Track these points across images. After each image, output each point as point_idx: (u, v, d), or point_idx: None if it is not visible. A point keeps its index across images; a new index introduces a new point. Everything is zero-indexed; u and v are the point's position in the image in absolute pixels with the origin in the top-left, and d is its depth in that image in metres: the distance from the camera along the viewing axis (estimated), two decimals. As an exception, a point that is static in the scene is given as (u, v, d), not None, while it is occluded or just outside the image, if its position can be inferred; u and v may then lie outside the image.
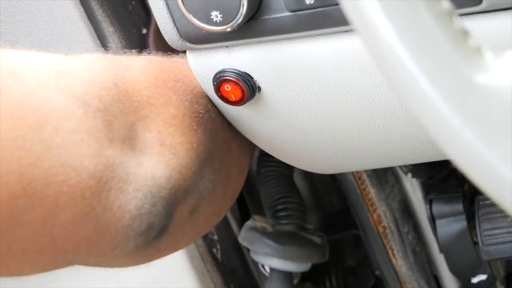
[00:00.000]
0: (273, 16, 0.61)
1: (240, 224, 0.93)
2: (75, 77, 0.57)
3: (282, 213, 0.88)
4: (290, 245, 0.86)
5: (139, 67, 0.64)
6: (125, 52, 0.68)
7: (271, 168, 0.88)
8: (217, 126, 0.69)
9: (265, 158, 0.88)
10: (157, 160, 0.60)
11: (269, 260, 0.87)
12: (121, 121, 0.58)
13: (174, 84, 0.65)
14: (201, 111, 0.66)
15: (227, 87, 0.66)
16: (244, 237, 0.87)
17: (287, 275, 0.88)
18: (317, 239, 0.89)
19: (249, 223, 0.88)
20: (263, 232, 0.86)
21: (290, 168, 0.88)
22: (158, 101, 0.63)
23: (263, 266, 0.91)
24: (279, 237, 0.86)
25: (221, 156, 0.70)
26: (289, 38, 0.63)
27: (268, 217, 0.89)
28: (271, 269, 0.88)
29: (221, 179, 0.70)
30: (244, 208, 0.98)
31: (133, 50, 0.68)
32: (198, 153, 0.64)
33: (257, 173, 0.89)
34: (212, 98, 0.69)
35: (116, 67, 0.62)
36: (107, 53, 0.67)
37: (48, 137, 0.52)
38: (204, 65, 0.66)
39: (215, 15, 0.60)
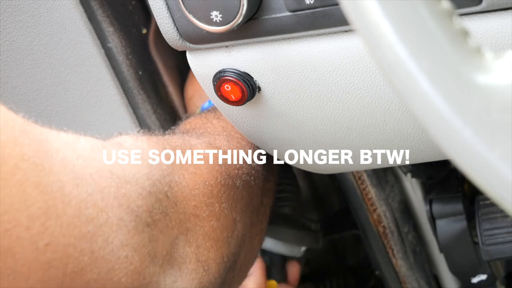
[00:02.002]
0: (273, 16, 0.61)
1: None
2: (134, 186, 0.56)
3: (277, 195, 0.88)
4: (282, 226, 0.86)
5: (192, 170, 0.63)
6: (178, 139, 0.67)
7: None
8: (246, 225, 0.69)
9: None
10: (191, 278, 0.60)
11: None
12: (165, 237, 0.58)
13: (219, 189, 0.65)
14: (237, 218, 0.67)
15: (227, 87, 0.66)
16: None
17: (280, 259, 0.88)
18: (311, 225, 0.89)
19: None
20: None
21: None
22: (203, 212, 0.63)
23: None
24: (273, 218, 0.86)
25: (245, 251, 0.70)
26: (289, 38, 0.63)
27: None
28: (262, 252, 0.88)
29: (242, 273, 0.71)
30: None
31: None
32: (226, 265, 0.65)
33: None
34: (212, 98, 0.69)
35: (172, 171, 0.61)
36: (160, 135, 0.66)
37: (97, 249, 0.51)
38: (204, 65, 0.66)
39: (215, 15, 0.60)
